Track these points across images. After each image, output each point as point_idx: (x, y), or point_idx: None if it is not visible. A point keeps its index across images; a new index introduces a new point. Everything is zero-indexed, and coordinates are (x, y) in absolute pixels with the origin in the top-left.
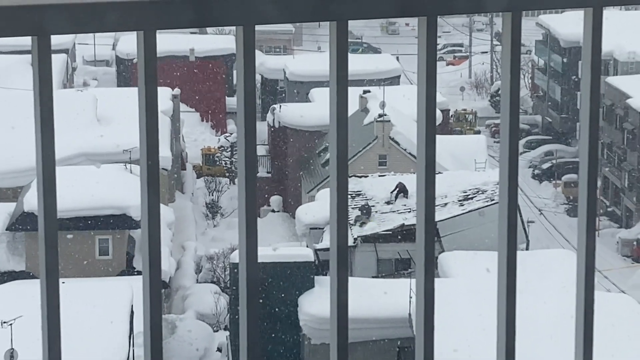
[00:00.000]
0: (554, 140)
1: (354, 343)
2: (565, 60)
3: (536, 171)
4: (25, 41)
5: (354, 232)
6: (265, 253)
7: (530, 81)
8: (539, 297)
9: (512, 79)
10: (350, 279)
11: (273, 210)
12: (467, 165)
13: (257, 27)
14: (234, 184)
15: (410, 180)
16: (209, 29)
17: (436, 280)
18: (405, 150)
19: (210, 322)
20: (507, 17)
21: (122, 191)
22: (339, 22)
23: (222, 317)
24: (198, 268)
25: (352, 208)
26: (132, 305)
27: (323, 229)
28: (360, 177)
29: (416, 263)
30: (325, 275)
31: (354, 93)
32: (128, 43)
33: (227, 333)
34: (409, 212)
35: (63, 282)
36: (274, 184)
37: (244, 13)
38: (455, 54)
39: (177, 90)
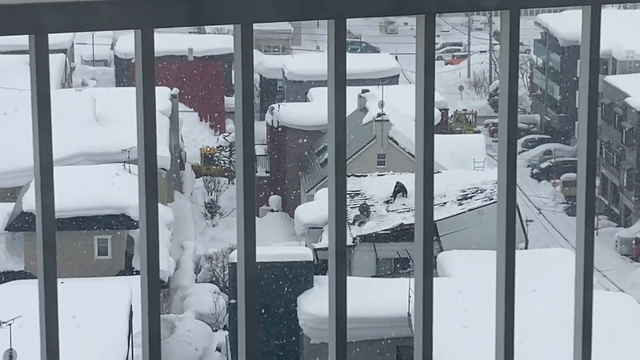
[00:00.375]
0: (553, 139)
1: (353, 342)
2: (563, 59)
3: (535, 170)
4: (24, 41)
5: (353, 232)
6: (265, 253)
7: (528, 80)
8: (537, 296)
9: (510, 78)
10: (349, 278)
11: (272, 210)
12: (466, 165)
13: (256, 27)
14: (232, 183)
15: (409, 180)
16: (207, 29)
17: (435, 279)
18: (404, 149)
19: (209, 321)
20: (506, 15)
21: (121, 191)
22: (337, 21)
23: (221, 317)
24: (197, 268)
25: (351, 207)
26: (131, 305)
27: (322, 228)
28: (359, 176)
29: (415, 262)
30: (325, 274)
31: (352, 92)
32: (126, 43)
33: (226, 333)
34: (408, 211)
35: (62, 282)
36: (272, 184)
37: (242, 11)
38: (454, 53)
39: (175, 90)
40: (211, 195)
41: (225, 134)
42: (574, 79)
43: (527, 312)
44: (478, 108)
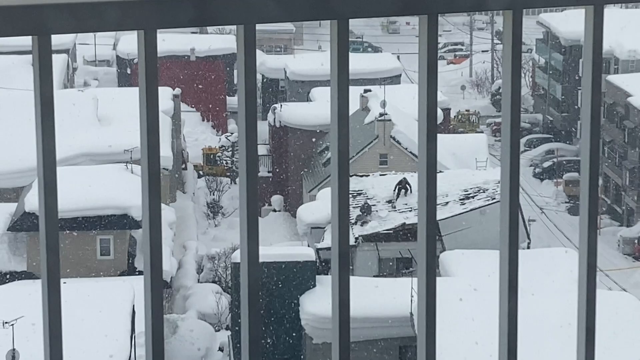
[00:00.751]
0: (555, 139)
1: (356, 342)
2: (565, 58)
3: (537, 170)
4: (26, 41)
5: (355, 232)
6: (267, 252)
7: (531, 80)
8: (540, 296)
9: (513, 78)
10: (351, 278)
11: (274, 210)
12: (468, 164)
13: (258, 27)
14: (235, 183)
15: (412, 180)
16: (209, 29)
17: (438, 279)
18: (406, 149)
19: (211, 321)
20: (508, 15)
21: (123, 191)
22: (339, 21)
23: (223, 317)
24: (199, 268)
25: (354, 207)
26: (133, 305)
27: (324, 228)
28: (362, 176)
29: (417, 262)
30: (327, 274)
31: (354, 92)
32: (129, 43)
33: (229, 332)
34: (410, 211)
35: (64, 283)
36: (275, 184)
37: (245, 12)
38: (456, 53)
39: (178, 90)
40: (213, 195)
41: (228, 134)
42: (576, 78)
43: (531, 312)
44: (480, 107)
